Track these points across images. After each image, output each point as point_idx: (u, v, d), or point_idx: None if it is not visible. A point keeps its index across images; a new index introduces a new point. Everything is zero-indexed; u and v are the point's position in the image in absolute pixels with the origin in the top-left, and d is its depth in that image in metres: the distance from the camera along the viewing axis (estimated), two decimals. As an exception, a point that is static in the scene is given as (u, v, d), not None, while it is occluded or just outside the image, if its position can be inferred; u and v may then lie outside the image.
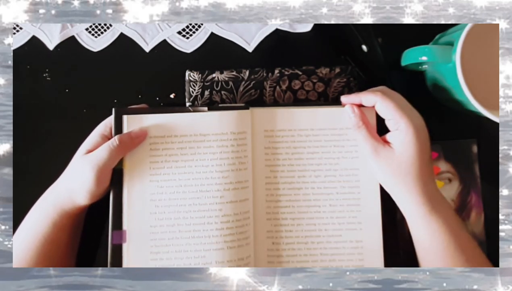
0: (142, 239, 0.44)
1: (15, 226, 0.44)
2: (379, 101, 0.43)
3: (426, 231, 0.42)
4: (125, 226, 0.44)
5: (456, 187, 0.50)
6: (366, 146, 0.44)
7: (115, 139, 0.43)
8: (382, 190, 0.45)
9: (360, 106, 0.45)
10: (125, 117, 0.45)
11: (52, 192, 0.45)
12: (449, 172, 0.50)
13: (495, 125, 0.45)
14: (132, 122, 0.45)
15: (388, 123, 0.44)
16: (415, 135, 0.41)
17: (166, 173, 0.45)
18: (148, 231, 0.45)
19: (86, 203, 0.44)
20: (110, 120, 0.46)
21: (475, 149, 0.50)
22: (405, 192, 0.42)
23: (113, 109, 0.46)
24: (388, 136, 0.44)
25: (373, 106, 0.44)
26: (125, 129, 0.45)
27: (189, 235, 0.45)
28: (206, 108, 0.46)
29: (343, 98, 0.46)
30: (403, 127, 0.42)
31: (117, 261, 0.44)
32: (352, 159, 0.46)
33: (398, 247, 0.48)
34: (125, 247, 0.44)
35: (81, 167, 0.43)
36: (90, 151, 0.44)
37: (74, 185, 0.44)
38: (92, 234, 0.49)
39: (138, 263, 0.44)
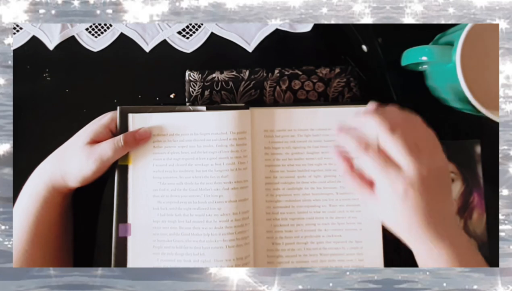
0: (145, 233, 0.45)
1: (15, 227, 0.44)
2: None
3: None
4: (129, 220, 0.45)
5: (459, 187, 0.50)
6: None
7: (120, 140, 0.44)
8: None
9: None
10: (130, 115, 0.46)
11: (44, 169, 0.46)
12: (452, 172, 0.50)
13: (496, 125, 0.45)
14: (136, 121, 0.46)
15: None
16: (401, 196, 0.38)
17: (168, 170, 0.46)
18: (151, 226, 0.45)
19: (77, 186, 0.45)
20: (115, 115, 0.47)
21: (478, 149, 0.50)
22: (403, 235, 0.40)
23: (118, 108, 0.46)
24: (376, 185, 0.40)
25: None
26: (131, 128, 0.46)
27: (189, 232, 0.45)
28: (205, 107, 0.46)
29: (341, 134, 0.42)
30: (384, 188, 0.38)
31: (122, 254, 0.45)
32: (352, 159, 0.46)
33: (398, 247, 0.48)
34: (129, 240, 0.45)
35: (84, 156, 0.44)
36: (94, 141, 0.45)
37: (70, 169, 0.44)
38: (88, 235, 0.49)
39: (141, 257, 0.45)
